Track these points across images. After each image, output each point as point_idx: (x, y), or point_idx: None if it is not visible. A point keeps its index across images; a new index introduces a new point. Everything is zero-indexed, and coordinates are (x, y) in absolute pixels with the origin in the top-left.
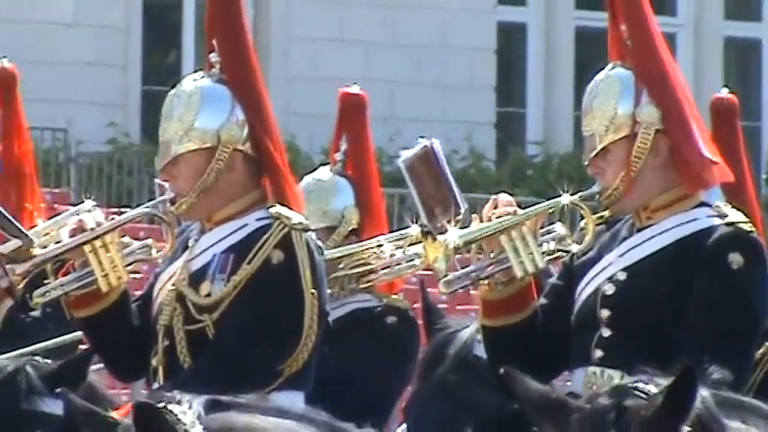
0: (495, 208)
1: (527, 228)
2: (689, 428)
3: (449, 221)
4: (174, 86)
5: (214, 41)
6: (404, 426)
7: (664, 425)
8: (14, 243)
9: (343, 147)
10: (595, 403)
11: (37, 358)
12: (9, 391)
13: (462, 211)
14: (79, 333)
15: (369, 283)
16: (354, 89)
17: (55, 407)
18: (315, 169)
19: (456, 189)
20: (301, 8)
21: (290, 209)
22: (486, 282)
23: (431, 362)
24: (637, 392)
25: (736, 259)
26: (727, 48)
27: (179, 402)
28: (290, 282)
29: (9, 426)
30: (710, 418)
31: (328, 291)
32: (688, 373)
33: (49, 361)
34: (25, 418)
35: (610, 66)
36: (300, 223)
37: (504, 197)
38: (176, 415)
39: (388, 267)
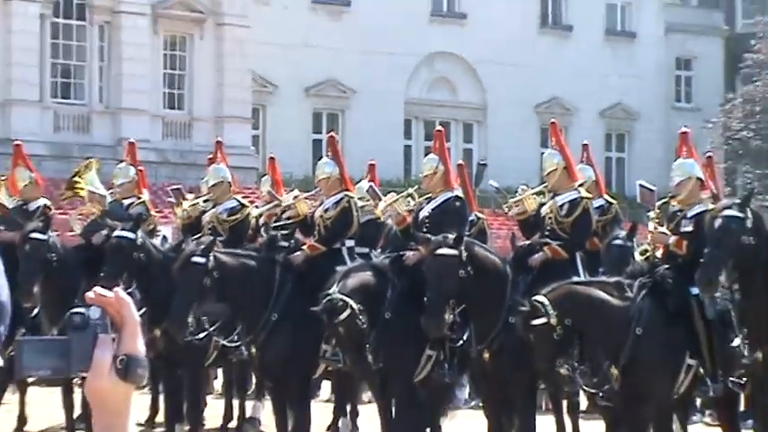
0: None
1: (399, 203)
2: (463, 248)
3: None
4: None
5: (329, 149)
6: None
7: (456, 246)
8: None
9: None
10: (439, 241)
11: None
12: None
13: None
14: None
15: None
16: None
17: None
18: (356, 183)
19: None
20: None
21: (351, 192)
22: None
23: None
24: (447, 239)
25: (458, 202)
26: None
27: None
28: (351, 211)
29: None
30: (470, 245)
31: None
32: (458, 236)
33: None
34: None
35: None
36: (353, 196)
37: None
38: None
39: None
